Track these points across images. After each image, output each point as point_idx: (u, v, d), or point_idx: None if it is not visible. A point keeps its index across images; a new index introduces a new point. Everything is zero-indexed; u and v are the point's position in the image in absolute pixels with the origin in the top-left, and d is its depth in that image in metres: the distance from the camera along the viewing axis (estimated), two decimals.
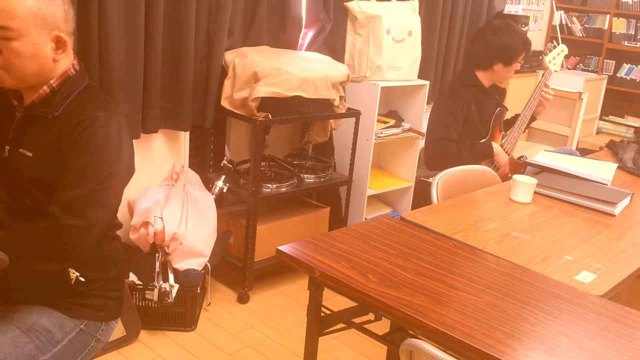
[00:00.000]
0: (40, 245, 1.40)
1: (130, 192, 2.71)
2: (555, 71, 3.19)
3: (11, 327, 1.44)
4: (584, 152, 3.93)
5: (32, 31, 1.37)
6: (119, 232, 1.65)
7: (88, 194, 1.41)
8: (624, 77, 5.37)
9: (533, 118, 3.22)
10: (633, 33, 5.25)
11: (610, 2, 5.30)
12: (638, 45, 5.23)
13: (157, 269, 2.52)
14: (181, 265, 2.54)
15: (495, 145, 3.00)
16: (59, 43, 1.43)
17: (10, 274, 1.38)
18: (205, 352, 2.49)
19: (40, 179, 1.44)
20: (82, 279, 1.50)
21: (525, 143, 4.36)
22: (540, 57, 4.69)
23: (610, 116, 5.57)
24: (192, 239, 2.56)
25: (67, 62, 1.48)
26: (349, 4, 3.30)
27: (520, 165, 3.07)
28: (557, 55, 3.21)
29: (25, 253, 1.39)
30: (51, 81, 1.46)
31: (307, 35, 3.25)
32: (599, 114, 5.44)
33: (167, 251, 2.54)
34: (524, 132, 3.20)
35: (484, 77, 3.07)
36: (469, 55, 3.27)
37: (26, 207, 1.46)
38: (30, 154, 1.44)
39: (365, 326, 1.71)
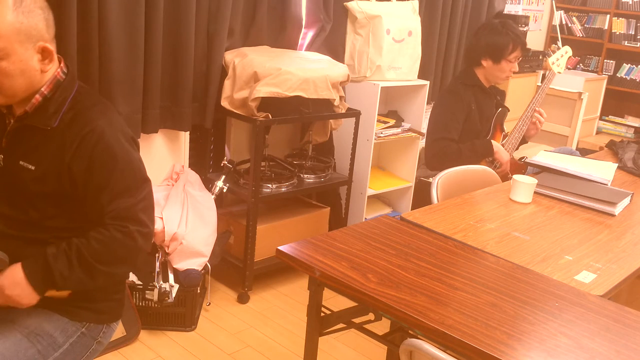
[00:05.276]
0: (114, 249, 1.42)
1: None
2: (559, 72, 3.17)
3: (13, 332, 1.43)
4: (584, 152, 3.93)
5: (18, 48, 1.33)
6: None
7: (136, 202, 1.43)
8: (624, 77, 5.37)
9: (524, 140, 3.21)
10: (633, 33, 5.25)
11: (610, 2, 5.30)
12: (638, 45, 5.23)
13: (157, 269, 2.52)
14: (181, 265, 2.54)
15: (496, 144, 3.00)
16: (44, 53, 1.40)
17: (85, 276, 1.41)
18: (205, 352, 2.49)
19: (47, 192, 1.43)
20: None
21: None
22: (541, 57, 4.69)
23: (610, 116, 5.57)
24: (192, 239, 2.56)
25: (54, 67, 1.45)
26: (349, 4, 3.30)
27: (520, 166, 3.07)
28: (560, 56, 3.18)
29: (101, 257, 1.41)
30: (42, 89, 1.43)
31: (307, 35, 3.25)
32: (599, 114, 5.44)
33: (167, 251, 2.54)
34: (516, 148, 3.19)
35: (480, 75, 3.07)
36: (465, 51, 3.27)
37: (32, 219, 1.45)
38: (32, 167, 1.42)
39: (365, 326, 1.71)
